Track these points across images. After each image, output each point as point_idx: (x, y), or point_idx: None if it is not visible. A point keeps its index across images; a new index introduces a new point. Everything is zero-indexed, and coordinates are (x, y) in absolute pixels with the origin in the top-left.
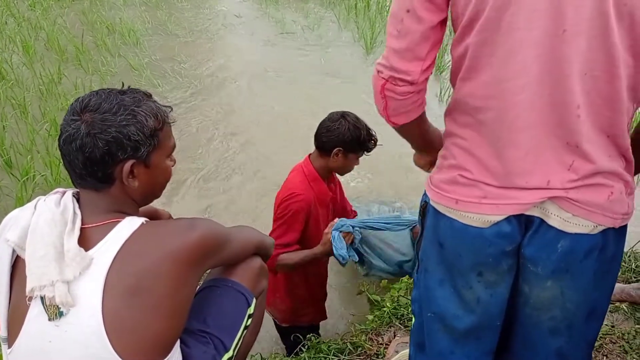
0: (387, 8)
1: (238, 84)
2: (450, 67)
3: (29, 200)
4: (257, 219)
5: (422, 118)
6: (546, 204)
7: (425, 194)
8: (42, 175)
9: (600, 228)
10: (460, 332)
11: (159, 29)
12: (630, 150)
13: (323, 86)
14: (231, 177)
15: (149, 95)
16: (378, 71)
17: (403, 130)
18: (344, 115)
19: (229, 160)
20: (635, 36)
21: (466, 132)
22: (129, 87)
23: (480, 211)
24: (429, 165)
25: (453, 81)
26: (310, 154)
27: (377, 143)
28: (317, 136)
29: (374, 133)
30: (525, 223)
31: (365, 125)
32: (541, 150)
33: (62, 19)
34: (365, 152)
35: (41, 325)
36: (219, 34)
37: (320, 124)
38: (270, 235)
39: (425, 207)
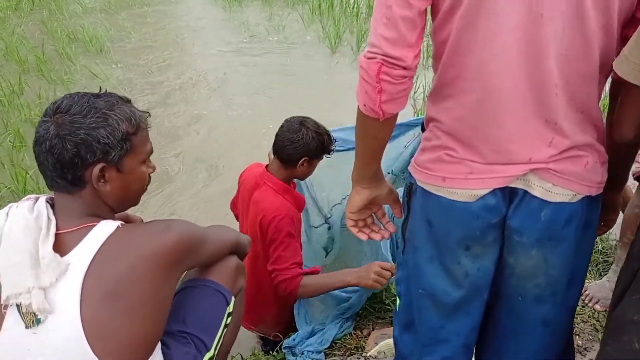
0: (351, 8)
1: (205, 88)
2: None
3: None
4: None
5: (397, 116)
6: (528, 176)
7: (410, 176)
8: (9, 188)
9: (579, 197)
10: (450, 308)
11: (122, 35)
12: (602, 120)
13: (290, 87)
14: (199, 178)
15: (127, 100)
16: (370, 57)
17: (383, 126)
18: (302, 122)
19: (197, 163)
20: (609, 15)
21: (448, 115)
22: (105, 90)
23: (466, 186)
24: (364, 209)
25: (435, 67)
26: (267, 166)
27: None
28: (280, 149)
29: (333, 135)
30: (509, 195)
31: (324, 128)
32: (523, 129)
33: (20, 28)
34: (326, 156)
35: (18, 334)
36: (183, 38)
37: (280, 136)
38: (275, 264)
39: (410, 188)
